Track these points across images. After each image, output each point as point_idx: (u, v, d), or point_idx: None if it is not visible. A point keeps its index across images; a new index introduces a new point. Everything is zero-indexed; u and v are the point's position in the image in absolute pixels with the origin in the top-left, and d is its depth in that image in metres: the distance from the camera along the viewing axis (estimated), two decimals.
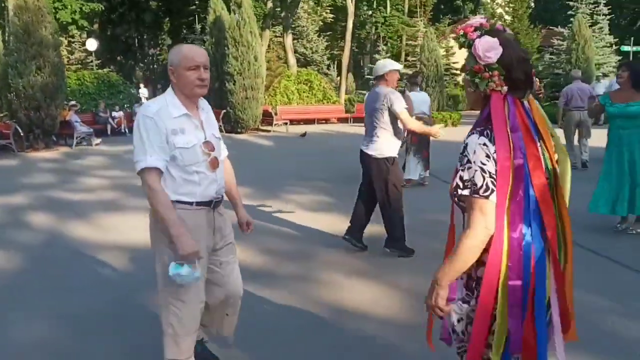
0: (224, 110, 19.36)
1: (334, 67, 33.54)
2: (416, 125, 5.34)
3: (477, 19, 1.90)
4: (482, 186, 1.77)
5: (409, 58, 27.66)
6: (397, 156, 5.35)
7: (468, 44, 1.86)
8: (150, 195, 2.61)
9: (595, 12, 25.94)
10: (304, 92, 24.82)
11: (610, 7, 26.44)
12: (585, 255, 5.22)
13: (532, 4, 33.57)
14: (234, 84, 19.20)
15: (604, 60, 24.57)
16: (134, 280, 4.83)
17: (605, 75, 23.51)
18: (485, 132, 1.82)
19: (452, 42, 31.57)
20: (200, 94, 2.72)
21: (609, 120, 6.05)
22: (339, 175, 9.93)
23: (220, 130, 17.62)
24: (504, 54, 1.81)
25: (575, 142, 10.48)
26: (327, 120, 23.87)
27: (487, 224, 1.77)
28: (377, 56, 29.03)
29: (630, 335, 3.60)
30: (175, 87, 2.71)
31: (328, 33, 39.85)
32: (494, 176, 1.77)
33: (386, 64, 5.39)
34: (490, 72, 1.82)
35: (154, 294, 3.05)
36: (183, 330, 2.75)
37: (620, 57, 25.17)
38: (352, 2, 27.64)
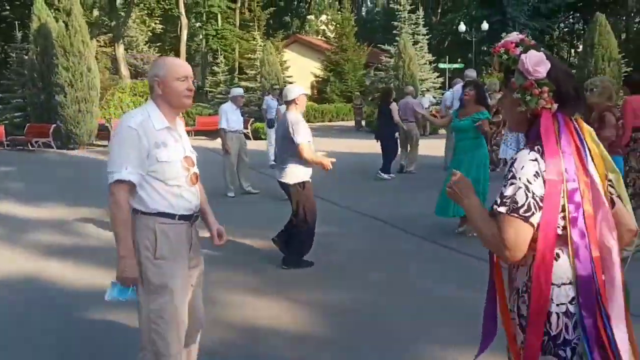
0: (54, 125, 17.71)
1: None
2: (311, 156, 5.26)
3: (515, 36, 1.82)
4: (522, 205, 1.67)
5: (247, 71, 27.62)
6: (309, 180, 5.37)
7: (513, 61, 1.77)
8: (113, 209, 2.54)
9: (416, 32, 28.28)
10: (140, 104, 23.58)
11: (428, 28, 29.11)
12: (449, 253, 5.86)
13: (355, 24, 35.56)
14: (64, 97, 17.66)
15: (426, 77, 26.84)
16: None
17: (428, 90, 25.75)
18: (536, 148, 1.72)
19: (287, 56, 32.32)
20: (188, 104, 2.70)
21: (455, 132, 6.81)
22: None
23: (49, 147, 16.20)
24: (551, 69, 1.73)
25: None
26: None
27: (516, 250, 1.68)
28: (215, 68, 28.61)
29: None
30: (159, 98, 2.64)
31: (158, 44, 38.51)
32: (538, 198, 1.67)
33: (296, 89, 5.47)
34: (540, 89, 1.73)
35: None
36: (167, 350, 2.61)
37: (438, 74, 27.82)
38: (184, 13, 26.99)
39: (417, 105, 12.29)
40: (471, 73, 11.84)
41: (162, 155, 2.56)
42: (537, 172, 1.68)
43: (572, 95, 1.77)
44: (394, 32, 28.26)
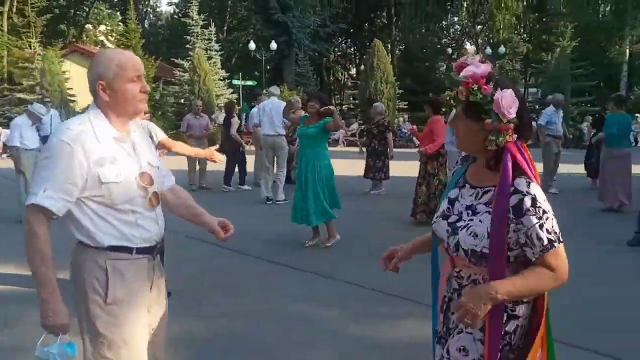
0: None
1: None
2: (183, 149, 5.25)
3: (479, 66, 1.80)
4: (558, 232, 1.78)
5: (22, 82, 24.87)
6: None
7: (486, 100, 1.76)
8: (27, 238, 2.03)
9: (209, 47, 28.33)
10: None
11: (220, 43, 29.38)
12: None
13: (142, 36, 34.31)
14: None
15: (221, 92, 27.00)
16: None
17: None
18: (529, 179, 1.79)
19: (66, 67, 29.88)
20: (143, 109, 2.23)
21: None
22: None
23: None
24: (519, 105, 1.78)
25: None
26: None
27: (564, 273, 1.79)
28: None
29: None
30: (104, 105, 2.15)
31: None
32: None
33: None
34: (508, 126, 1.77)
35: None
36: None
37: (232, 90, 28.20)
38: None
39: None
40: (275, 91, 12.23)
41: (106, 174, 2.06)
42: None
43: (528, 122, 1.86)
44: (187, 46, 27.97)
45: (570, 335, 3.58)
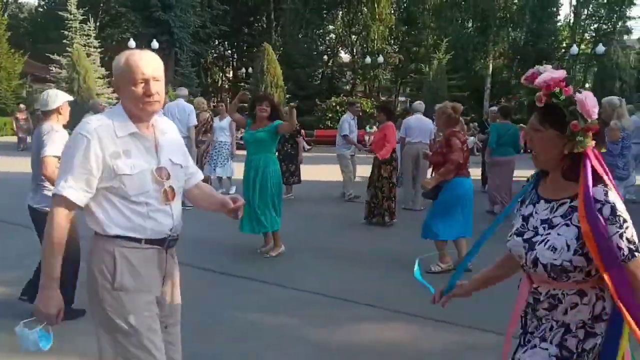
0: None
1: None
2: (52, 174, 4.07)
3: (555, 72, 1.81)
4: (637, 242, 1.75)
5: None
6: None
7: (568, 102, 1.77)
8: (47, 225, 2.15)
9: (88, 44, 26.97)
10: None
11: (100, 40, 28.09)
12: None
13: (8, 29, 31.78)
14: None
15: (101, 91, 25.81)
16: None
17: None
18: (609, 187, 1.79)
19: None
20: (150, 112, 2.25)
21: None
22: None
23: None
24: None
25: None
26: None
27: None
28: None
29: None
30: (124, 102, 2.26)
31: None
32: None
33: (59, 95, 4.46)
34: (593, 126, 1.78)
35: None
36: None
37: (113, 89, 26.93)
38: None
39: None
40: (182, 92, 11.65)
41: (121, 166, 2.16)
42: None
43: (602, 128, 1.86)
44: (65, 41, 26.42)
45: None
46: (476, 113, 26.10)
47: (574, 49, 29.09)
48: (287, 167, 10.70)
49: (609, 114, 6.65)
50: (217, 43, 45.40)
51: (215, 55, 47.93)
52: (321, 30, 42.64)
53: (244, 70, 43.61)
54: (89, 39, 27.26)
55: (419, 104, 10.50)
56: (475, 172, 12.32)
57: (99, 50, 27.83)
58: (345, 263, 6.18)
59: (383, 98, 35.39)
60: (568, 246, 1.77)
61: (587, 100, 1.75)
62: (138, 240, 2.22)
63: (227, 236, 7.05)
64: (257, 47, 39.44)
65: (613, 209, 1.73)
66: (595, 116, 1.77)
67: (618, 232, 1.72)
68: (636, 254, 1.73)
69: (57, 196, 2.14)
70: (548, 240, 1.81)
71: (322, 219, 8.84)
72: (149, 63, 2.20)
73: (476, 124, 18.80)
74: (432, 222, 5.74)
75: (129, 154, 2.19)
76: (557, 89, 1.75)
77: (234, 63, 49.47)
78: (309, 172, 11.85)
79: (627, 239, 1.72)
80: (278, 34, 41.16)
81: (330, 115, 27.01)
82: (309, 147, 20.51)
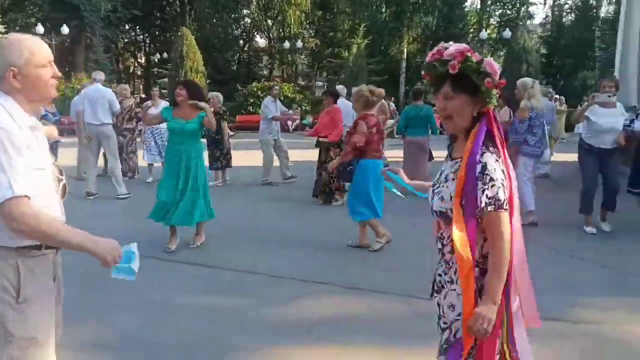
0: None
1: None
2: None
3: (458, 45, 2.03)
4: (504, 200, 1.94)
5: None
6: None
7: (477, 64, 1.98)
8: (29, 224, 1.92)
9: None
10: None
11: (4, 25, 26.38)
12: None
13: None
14: None
15: None
16: None
17: None
18: (491, 149, 1.99)
19: None
20: (54, 95, 2.19)
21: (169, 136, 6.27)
22: None
23: None
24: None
25: None
26: None
27: (508, 235, 1.94)
28: None
29: None
30: (14, 92, 2.05)
31: None
32: (507, 194, 1.97)
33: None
34: (501, 82, 2.00)
35: None
36: None
37: None
38: None
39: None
40: (99, 76, 10.37)
41: (34, 160, 2.00)
42: (502, 169, 1.99)
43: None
44: None
45: None
46: (394, 97, 26.94)
47: (483, 34, 30.62)
48: (213, 152, 10.51)
49: (522, 94, 7.13)
50: (128, 28, 43.80)
51: (126, 40, 46.28)
52: (236, 15, 42.22)
53: (158, 55, 42.37)
54: None
55: (342, 89, 10.62)
56: (397, 154, 13.02)
57: (4, 36, 26.14)
58: (293, 243, 6.34)
59: (302, 83, 35.71)
60: (451, 197, 2.03)
61: (492, 62, 2.01)
62: (38, 247, 2.05)
63: (133, 225, 6.87)
64: (171, 31, 38.82)
65: (483, 167, 1.94)
66: (498, 76, 2.01)
67: (482, 188, 1.93)
68: (490, 209, 1.93)
69: (20, 198, 1.93)
70: (440, 192, 2.08)
71: (262, 202, 8.98)
72: (47, 47, 2.16)
73: (393, 106, 19.49)
74: (355, 203, 5.96)
75: (31, 148, 2.04)
76: (469, 54, 1.98)
77: (146, 48, 47.98)
78: (239, 158, 11.86)
79: (487, 195, 1.93)
80: (192, 18, 40.36)
81: (252, 100, 26.99)
82: (232, 133, 20.44)
